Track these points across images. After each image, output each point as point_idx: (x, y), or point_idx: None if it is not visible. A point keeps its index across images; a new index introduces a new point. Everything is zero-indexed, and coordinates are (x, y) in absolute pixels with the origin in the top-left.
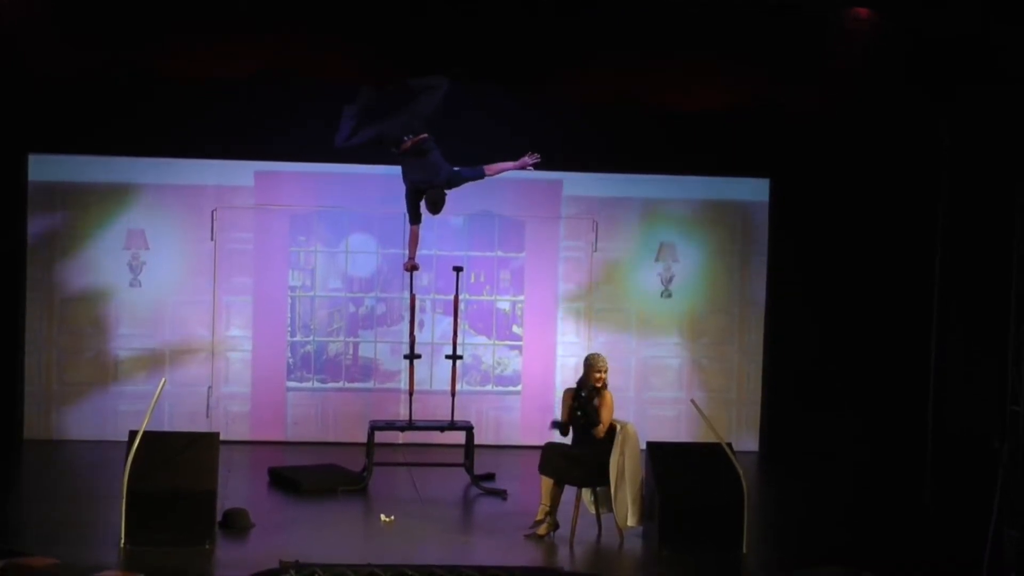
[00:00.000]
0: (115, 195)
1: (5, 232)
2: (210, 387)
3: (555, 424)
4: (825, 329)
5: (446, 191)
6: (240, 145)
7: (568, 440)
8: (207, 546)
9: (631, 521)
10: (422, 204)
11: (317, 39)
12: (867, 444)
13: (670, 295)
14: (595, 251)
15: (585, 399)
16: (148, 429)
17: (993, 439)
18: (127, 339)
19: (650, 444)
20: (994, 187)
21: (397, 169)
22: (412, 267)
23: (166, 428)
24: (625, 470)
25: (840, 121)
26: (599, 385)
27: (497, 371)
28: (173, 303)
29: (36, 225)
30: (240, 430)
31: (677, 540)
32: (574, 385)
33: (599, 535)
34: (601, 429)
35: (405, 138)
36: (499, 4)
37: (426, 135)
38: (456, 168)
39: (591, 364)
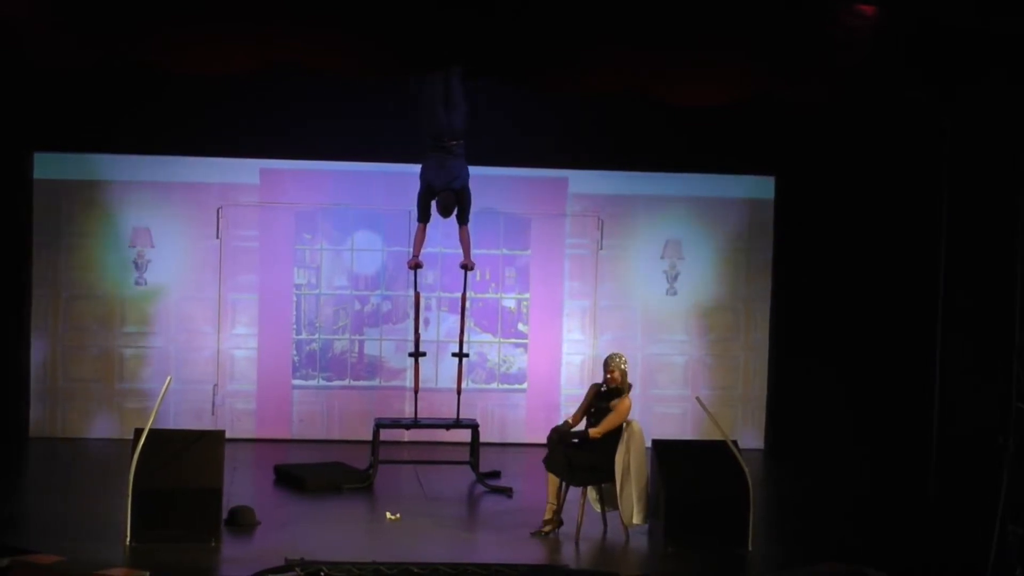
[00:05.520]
0: (120, 193)
1: (10, 230)
2: (215, 385)
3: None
4: (830, 326)
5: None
6: (245, 142)
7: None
8: (212, 543)
9: (636, 519)
10: (433, 205)
11: (319, 34)
12: (872, 441)
13: (675, 292)
14: (600, 249)
15: (603, 397)
16: (153, 427)
17: (998, 435)
18: (132, 337)
19: (655, 442)
20: (998, 183)
21: (401, 166)
22: (416, 265)
23: (171, 426)
24: (630, 468)
25: (844, 118)
26: (612, 386)
27: (502, 369)
28: (178, 301)
29: (41, 223)
30: (245, 428)
31: (682, 537)
32: (601, 382)
33: (604, 532)
34: (593, 431)
35: (453, 141)
36: None
37: (463, 141)
38: (469, 188)
39: (604, 364)
